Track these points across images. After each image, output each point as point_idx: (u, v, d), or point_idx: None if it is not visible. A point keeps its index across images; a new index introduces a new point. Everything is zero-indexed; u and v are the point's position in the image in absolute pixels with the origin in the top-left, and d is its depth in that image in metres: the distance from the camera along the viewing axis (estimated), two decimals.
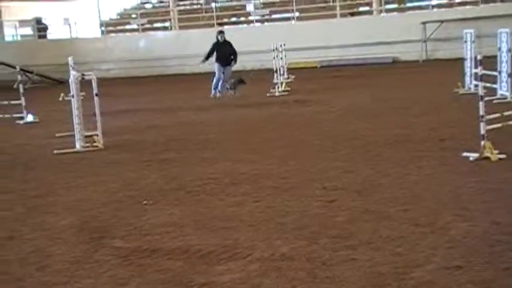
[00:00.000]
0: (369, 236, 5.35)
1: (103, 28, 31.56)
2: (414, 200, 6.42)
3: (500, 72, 12.60)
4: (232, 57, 17.62)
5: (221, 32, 18.07)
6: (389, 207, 6.17)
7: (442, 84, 15.94)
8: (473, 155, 7.98)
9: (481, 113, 8.00)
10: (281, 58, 18.06)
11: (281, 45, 18.10)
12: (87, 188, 7.94)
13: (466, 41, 14.43)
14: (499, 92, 12.68)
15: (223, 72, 17.62)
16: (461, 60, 15.12)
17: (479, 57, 8.51)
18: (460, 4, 25.97)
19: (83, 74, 11.10)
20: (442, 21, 23.66)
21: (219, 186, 7.54)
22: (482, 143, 7.95)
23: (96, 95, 10.79)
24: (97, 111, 10.83)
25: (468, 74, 14.39)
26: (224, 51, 17.61)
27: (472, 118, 8.41)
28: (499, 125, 8.34)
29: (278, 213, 6.22)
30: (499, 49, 12.56)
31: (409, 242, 5.14)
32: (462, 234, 5.24)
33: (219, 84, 17.72)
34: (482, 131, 8.00)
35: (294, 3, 27.27)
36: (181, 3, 32.87)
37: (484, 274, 4.38)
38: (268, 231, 5.69)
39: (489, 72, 12.43)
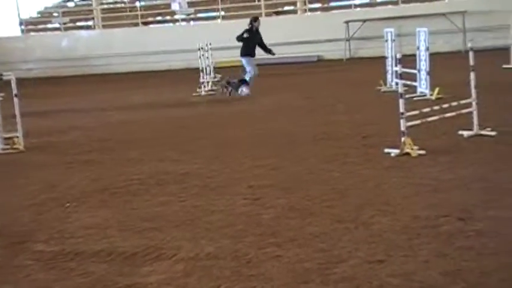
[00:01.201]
0: (294, 233, 5.41)
1: (23, 27, 30.69)
2: (338, 196, 6.53)
3: (419, 71, 12.95)
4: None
5: (257, 19, 16.40)
6: (314, 204, 6.26)
7: (365, 82, 16.27)
8: (394, 151, 8.18)
9: (401, 110, 8.21)
10: (207, 57, 18.03)
11: (207, 45, 18.07)
12: (7, 191, 7.71)
13: (387, 40, 14.78)
14: (419, 89, 13.04)
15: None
16: (383, 58, 15.48)
17: (398, 55, 8.73)
18: (381, 4, 26.58)
19: (1, 74, 10.78)
20: (364, 21, 24.16)
21: (144, 186, 7.47)
22: (403, 139, 8.17)
23: (16, 95, 10.50)
24: (17, 112, 10.54)
25: (389, 72, 14.73)
26: (255, 43, 16.09)
27: (394, 115, 8.62)
28: (418, 121, 8.56)
29: (204, 213, 6.21)
30: (418, 48, 12.91)
31: (332, 238, 5.22)
32: (384, 229, 5.36)
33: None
34: (403, 128, 8.21)
35: (220, 2, 27.28)
36: (104, 1, 32.34)
37: (404, 267, 4.50)
38: (194, 230, 5.68)
39: (409, 70, 12.78)
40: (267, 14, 27.12)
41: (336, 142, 9.39)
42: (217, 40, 21.48)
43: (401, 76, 8.59)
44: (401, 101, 8.23)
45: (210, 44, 18.37)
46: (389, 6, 25.82)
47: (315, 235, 5.31)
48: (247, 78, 16.16)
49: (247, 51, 16.01)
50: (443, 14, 22.63)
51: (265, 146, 9.50)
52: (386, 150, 8.32)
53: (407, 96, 12.42)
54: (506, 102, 11.44)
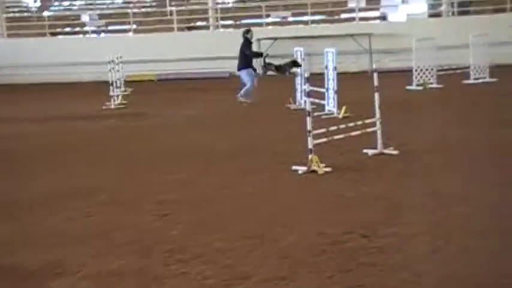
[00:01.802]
0: (201, 249, 5.42)
1: None
2: (247, 212, 6.59)
3: (327, 89, 13.28)
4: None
5: (250, 31, 16.22)
6: (223, 220, 6.29)
7: (276, 100, 16.45)
8: (302, 168, 8.33)
9: (309, 128, 8.39)
10: (117, 70, 17.79)
11: (117, 58, 17.84)
12: None
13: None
14: (327, 107, 13.35)
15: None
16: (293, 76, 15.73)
17: (306, 74, 8.93)
18: (292, 23, 27.06)
19: None
20: (275, 39, 24.51)
21: (51, 200, 7.29)
22: (310, 156, 8.34)
23: None
24: None
25: (299, 90, 15.01)
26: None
27: (302, 133, 8.79)
28: (325, 139, 8.77)
29: (110, 228, 6.13)
30: (326, 67, 13.24)
31: (239, 254, 5.28)
32: (290, 245, 5.46)
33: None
34: (310, 145, 8.39)
35: (131, 16, 27.02)
36: (10, 10, 31.35)
37: (308, 283, 4.60)
38: (100, 246, 5.59)
39: (317, 89, 13.07)
40: (179, 29, 27.07)
41: (247, 158, 9.48)
42: (129, 53, 21.26)
43: (308, 94, 8.79)
44: (308, 119, 8.41)
45: (121, 57, 18.15)
46: (300, 26, 26.33)
47: (222, 251, 5.34)
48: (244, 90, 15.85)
49: (249, 63, 15.77)
50: (351, 35, 23.30)
51: (176, 161, 9.47)
52: (294, 167, 8.47)
53: (315, 114, 12.76)
54: (408, 122, 11.88)
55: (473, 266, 4.84)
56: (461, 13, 24.84)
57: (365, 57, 22.94)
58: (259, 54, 16.13)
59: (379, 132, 9.21)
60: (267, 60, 15.76)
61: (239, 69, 16.03)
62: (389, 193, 7.08)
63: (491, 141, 9.65)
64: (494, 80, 17.61)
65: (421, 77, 17.67)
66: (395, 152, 9.11)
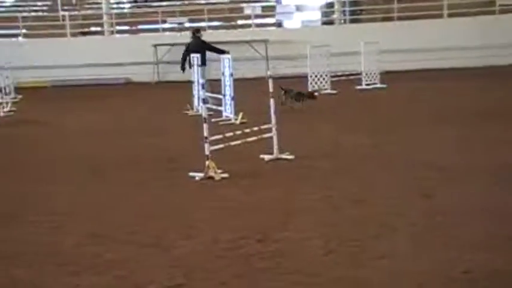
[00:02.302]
0: (93, 260, 5.29)
1: None
2: (142, 220, 6.50)
3: (224, 96, 13.32)
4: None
5: (199, 30, 16.50)
6: (117, 230, 6.17)
7: (173, 106, 16.36)
8: (198, 175, 8.31)
9: (205, 134, 8.39)
10: (6, 77, 17.14)
11: (6, 63, 17.19)
12: None
13: (193, 65, 15.03)
14: (224, 114, 13.40)
15: None
16: (190, 82, 15.70)
17: (201, 81, 8.92)
18: (189, 29, 27.01)
19: None
20: (172, 45, 24.37)
21: None
22: (207, 163, 8.33)
23: None
24: None
25: (196, 96, 14.98)
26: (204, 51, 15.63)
27: (200, 139, 8.76)
28: (222, 145, 8.79)
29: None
30: (223, 74, 13.29)
31: (134, 264, 5.19)
32: (185, 253, 5.42)
33: None
34: (207, 152, 8.38)
35: (20, 20, 26.11)
36: None
37: None
38: None
39: (214, 95, 13.10)
40: (72, 35, 26.41)
41: (142, 166, 9.35)
42: (20, 59, 20.57)
43: (204, 101, 8.78)
44: (205, 126, 8.40)
45: (10, 62, 17.50)
46: None
47: (116, 262, 5.23)
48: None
49: (203, 61, 15.34)
50: (248, 42, 23.52)
51: (66, 171, 9.20)
52: (191, 174, 8.43)
53: (213, 120, 12.78)
54: (303, 128, 12.10)
55: (367, 267, 4.97)
56: (352, 21, 25.63)
57: (261, 63, 23.22)
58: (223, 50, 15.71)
59: (275, 137, 9.32)
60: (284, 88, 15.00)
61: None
62: (284, 198, 7.17)
63: (382, 145, 9.99)
64: (384, 85, 18.26)
65: (315, 83, 18.08)
66: (291, 157, 9.25)
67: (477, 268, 4.77)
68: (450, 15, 24.00)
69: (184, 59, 16.02)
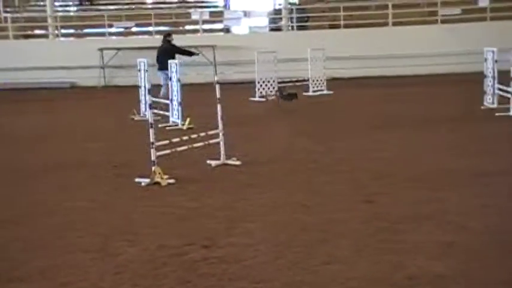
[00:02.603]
0: (38, 267, 5.19)
1: None
2: (86, 226, 6.41)
3: (171, 101, 13.26)
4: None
5: (171, 34, 17.18)
6: (59, 237, 6.07)
7: (120, 111, 16.20)
8: (145, 181, 8.25)
9: (151, 139, 8.33)
10: None
11: None
12: None
13: (140, 70, 14.93)
14: (171, 119, 13.33)
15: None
16: (137, 87, 15.57)
17: (148, 86, 8.86)
18: (136, 34, 26.78)
19: None
20: (118, 49, 24.15)
21: None
22: (153, 168, 8.28)
23: None
24: None
25: (142, 101, 14.86)
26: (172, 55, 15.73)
27: (146, 144, 8.70)
28: (168, 151, 8.75)
29: None
30: (170, 79, 13.21)
31: (79, 270, 5.12)
32: (131, 259, 5.38)
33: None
34: (153, 157, 8.33)
35: None
36: None
37: None
38: None
39: (161, 100, 13.03)
40: (15, 37, 25.88)
41: (87, 171, 9.22)
42: None
43: (150, 106, 8.73)
44: (151, 131, 8.35)
45: None
46: (145, 37, 26.14)
47: (61, 268, 5.15)
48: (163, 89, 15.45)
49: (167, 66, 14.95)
50: (195, 47, 23.50)
51: (3, 174, 9.01)
52: (137, 179, 8.36)
53: (160, 125, 12.71)
54: (251, 133, 12.15)
55: (312, 272, 5.02)
56: (300, 28, 25.86)
57: (209, 69, 23.21)
58: (192, 52, 16.93)
59: (222, 143, 9.33)
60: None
61: (160, 69, 15.79)
62: (231, 203, 7.18)
63: (328, 151, 10.10)
64: (330, 92, 18.48)
65: (263, 89, 18.17)
66: (238, 163, 9.27)
67: (419, 273, 4.87)
68: (395, 24, 24.47)
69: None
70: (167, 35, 17.07)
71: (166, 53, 15.85)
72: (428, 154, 9.56)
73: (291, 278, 4.90)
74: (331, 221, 6.32)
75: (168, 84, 14.94)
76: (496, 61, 13.71)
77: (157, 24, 25.81)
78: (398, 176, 8.14)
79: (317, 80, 18.88)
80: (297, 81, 19.02)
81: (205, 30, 25.83)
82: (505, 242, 5.49)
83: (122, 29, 26.58)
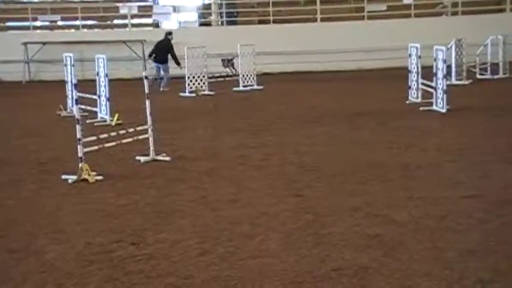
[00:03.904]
0: None
1: None
2: (10, 225, 6.25)
3: (99, 96, 13.04)
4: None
5: (171, 33, 19.98)
6: None
7: (46, 106, 15.82)
8: (71, 177, 8.09)
9: (78, 135, 8.18)
10: None
11: None
12: None
13: (66, 64, 14.60)
14: (99, 115, 13.12)
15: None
16: (64, 82, 15.24)
17: (74, 81, 8.69)
18: (62, 27, 26.19)
19: None
20: (44, 43, 23.57)
21: None
22: (80, 165, 8.13)
23: None
24: None
25: (69, 97, 14.55)
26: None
27: (73, 141, 8.53)
28: (96, 147, 8.60)
29: None
30: (97, 74, 13.00)
31: (1, 271, 4.98)
32: (56, 258, 5.27)
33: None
34: (80, 154, 8.18)
35: None
36: None
37: None
38: None
39: (88, 96, 12.80)
40: None
41: (11, 168, 8.99)
42: None
43: (77, 101, 8.56)
44: (78, 127, 8.20)
45: None
46: (72, 31, 25.61)
47: None
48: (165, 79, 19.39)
49: (167, 60, 19.44)
50: (124, 42, 23.17)
51: None
52: (63, 176, 8.20)
53: (88, 121, 12.48)
54: (181, 129, 12.06)
55: (240, 266, 5.04)
56: (229, 23, 25.86)
57: (139, 63, 22.96)
58: (178, 62, 19.11)
59: (151, 139, 9.24)
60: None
61: (161, 62, 19.37)
62: (160, 199, 7.12)
63: (257, 145, 10.15)
64: (261, 87, 18.58)
65: (193, 84, 18.10)
66: (167, 159, 9.20)
67: (345, 265, 4.96)
68: (323, 20, 24.79)
69: (151, 54, 19.65)
70: (169, 34, 19.90)
71: (165, 48, 19.28)
72: (356, 148, 9.74)
73: (220, 272, 4.90)
74: (261, 215, 6.36)
75: (167, 76, 19.01)
76: (420, 57, 14.09)
77: (84, 18, 25.34)
78: (327, 170, 8.26)
79: (247, 75, 18.94)
80: (227, 76, 19.04)
81: (134, 25, 25.51)
82: (428, 233, 5.64)
83: (47, 23, 25.93)
